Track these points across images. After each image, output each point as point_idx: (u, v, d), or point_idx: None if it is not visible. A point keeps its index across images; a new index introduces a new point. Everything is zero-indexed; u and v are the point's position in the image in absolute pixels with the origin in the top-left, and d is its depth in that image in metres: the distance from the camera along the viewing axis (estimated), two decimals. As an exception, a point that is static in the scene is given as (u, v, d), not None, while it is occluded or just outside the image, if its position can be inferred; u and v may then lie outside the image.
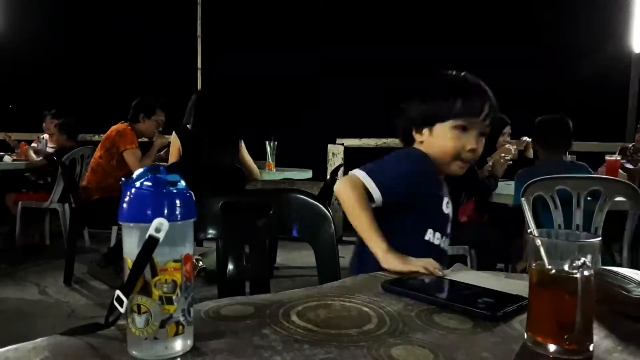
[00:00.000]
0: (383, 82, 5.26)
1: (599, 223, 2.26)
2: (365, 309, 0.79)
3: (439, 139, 1.24)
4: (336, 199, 1.22)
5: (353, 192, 1.14)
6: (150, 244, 0.60)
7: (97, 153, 3.59)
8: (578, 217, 2.28)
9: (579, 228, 2.28)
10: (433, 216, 1.24)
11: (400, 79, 5.15)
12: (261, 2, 5.53)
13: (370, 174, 1.17)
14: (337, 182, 1.17)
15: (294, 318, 0.74)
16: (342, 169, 4.41)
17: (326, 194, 3.41)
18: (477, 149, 1.23)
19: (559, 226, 2.31)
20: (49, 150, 4.55)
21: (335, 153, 5.11)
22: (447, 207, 1.28)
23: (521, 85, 4.92)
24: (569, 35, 4.89)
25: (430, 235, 1.23)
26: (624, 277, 0.82)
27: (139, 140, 3.70)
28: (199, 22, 5.65)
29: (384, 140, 5.09)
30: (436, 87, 1.27)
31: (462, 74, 1.27)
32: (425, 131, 1.26)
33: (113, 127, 3.59)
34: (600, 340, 0.69)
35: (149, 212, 0.61)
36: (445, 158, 1.24)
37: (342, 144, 5.11)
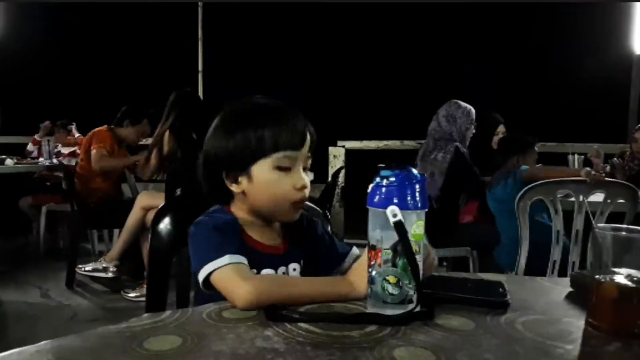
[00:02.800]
0: (384, 83, 5.28)
1: None
2: (368, 310, 0.79)
3: (263, 185, 0.97)
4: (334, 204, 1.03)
5: (255, 285, 0.81)
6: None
7: (80, 156, 3.61)
8: (579, 222, 2.25)
9: (579, 234, 2.25)
10: None
11: (401, 80, 5.17)
12: (262, 5, 5.54)
13: (214, 255, 0.87)
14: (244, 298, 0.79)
15: (296, 320, 0.74)
16: (343, 171, 4.41)
17: (327, 197, 3.41)
18: (307, 185, 0.99)
19: (558, 232, 2.29)
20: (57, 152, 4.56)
21: (337, 155, 5.11)
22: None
23: (523, 87, 4.93)
24: (570, 37, 4.89)
25: None
26: (625, 277, 0.82)
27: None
28: (200, 24, 5.66)
29: (385, 142, 5.09)
30: (240, 120, 0.98)
31: (269, 101, 1.02)
32: (243, 179, 0.99)
33: (92, 130, 3.60)
34: (602, 342, 0.69)
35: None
36: (275, 203, 0.98)
37: (343, 146, 5.10)
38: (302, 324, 0.72)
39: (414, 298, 0.76)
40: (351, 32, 5.29)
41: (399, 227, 0.74)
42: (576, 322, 0.76)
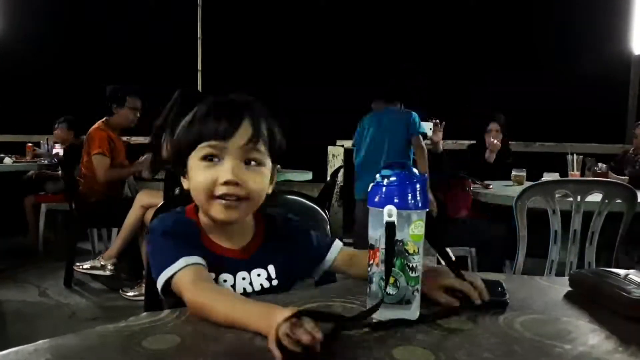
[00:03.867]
0: (384, 83, 5.27)
1: (596, 227, 2.22)
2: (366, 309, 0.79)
3: (192, 178, 0.92)
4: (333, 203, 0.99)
5: (190, 292, 0.79)
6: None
7: (84, 158, 3.60)
8: (577, 222, 2.23)
9: (576, 233, 2.24)
10: None
11: (400, 79, 5.15)
12: (261, 3, 5.54)
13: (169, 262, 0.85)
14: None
15: (295, 319, 0.74)
16: (342, 170, 4.41)
17: (326, 196, 3.41)
18: (234, 180, 0.88)
19: (555, 232, 2.27)
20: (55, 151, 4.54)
21: (336, 155, 5.11)
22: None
23: (521, 86, 4.93)
24: (568, 36, 4.89)
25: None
26: (625, 278, 0.83)
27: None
28: (199, 23, 5.66)
29: (384, 141, 5.08)
30: (177, 116, 0.97)
31: (223, 96, 0.97)
32: (186, 175, 0.95)
33: (90, 129, 3.60)
34: (601, 341, 0.69)
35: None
36: (200, 198, 0.91)
37: (342, 146, 5.11)
38: (301, 323, 0.72)
39: (412, 299, 0.76)
40: (350, 32, 5.29)
41: (389, 228, 0.73)
42: (575, 322, 0.76)
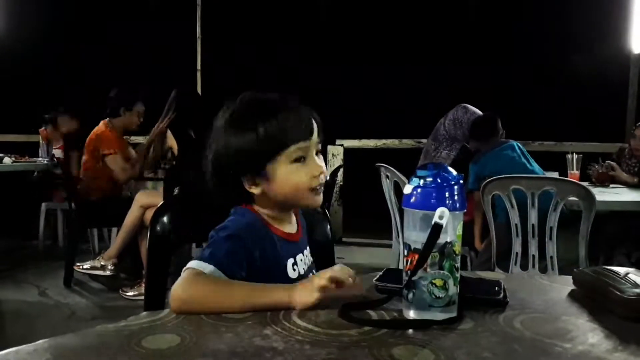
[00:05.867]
0: (383, 83, 5.28)
1: (553, 223, 2.27)
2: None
3: (282, 180, 0.97)
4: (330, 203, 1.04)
5: (189, 285, 0.83)
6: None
7: (84, 157, 3.58)
8: (533, 217, 2.30)
9: (535, 228, 2.30)
10: (280, 280, 0.94)
11: (399, 79, 5.15)
12: (260, 3, 5.54)
13: (204, 259, 0.88)
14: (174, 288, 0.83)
15: (295, 318, 0.74)
16: (341, 169, 4.42)
17: (326, 196, 3.41)
18: (323, 170, 0.99)
19: (516, 225, 2.34)
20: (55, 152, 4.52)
21: (335, 154, 5.11)
22: (293, 270, 1.01)
23: (520, 86, 4.94)
24: (568, 35, 4.89)
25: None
26: (623, 277, 0.82)
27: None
28: (198, 23, 5.65)
29: (383, 141, 5.09)
30: (247, 120, 0.96)
31: (270, 96, 1.00)
32: (260, 180, 0.98)
33: (94, 130, 3.57)
34: (601, 340, 0.69)
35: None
36: (299, 194, 0.98)
37: (342, 145, 5.11)
38: (300, 322, 0.72)
39: (457, 299, 0.76)
40: (349, 31, 5.29)
41: (436, 230, 0.71)
42: (574, 321, 0.76)
